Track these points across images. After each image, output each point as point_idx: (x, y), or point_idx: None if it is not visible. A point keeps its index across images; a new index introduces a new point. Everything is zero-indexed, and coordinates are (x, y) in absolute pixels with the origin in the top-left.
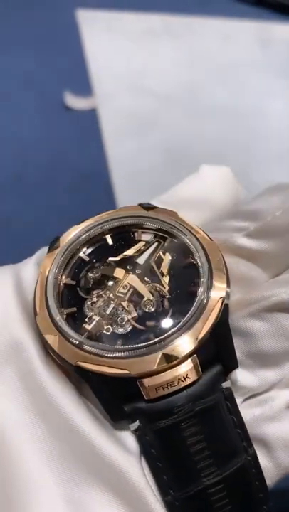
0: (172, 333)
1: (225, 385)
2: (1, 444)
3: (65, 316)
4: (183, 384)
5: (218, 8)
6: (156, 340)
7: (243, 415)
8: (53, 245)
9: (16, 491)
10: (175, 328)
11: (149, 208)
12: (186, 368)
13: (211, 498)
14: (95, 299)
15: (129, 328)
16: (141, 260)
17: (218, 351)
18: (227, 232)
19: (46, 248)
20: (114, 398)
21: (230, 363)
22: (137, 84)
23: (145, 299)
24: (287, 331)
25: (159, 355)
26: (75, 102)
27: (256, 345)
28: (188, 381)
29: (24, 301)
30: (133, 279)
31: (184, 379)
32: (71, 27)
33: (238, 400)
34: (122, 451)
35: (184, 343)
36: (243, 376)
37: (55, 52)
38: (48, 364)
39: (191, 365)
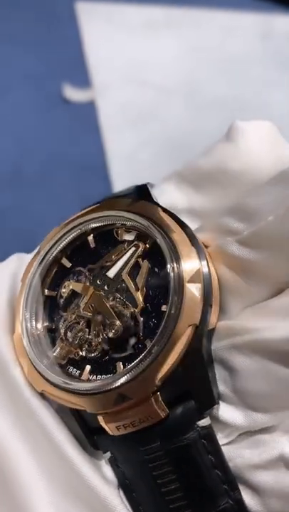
0: (131, 369)
1: (201, 423)
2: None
3: (43, 332)
4: (146, 424)
5: (219, 0)
6: (114, 376)
7: (231, 456)
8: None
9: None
10: (134, 363)
11: (135, 198)
12: (147, 408)
13: None
14: (65, 317)
15: (98, 353)
16: (111, 273)
17: (190, 385)
18: (223, 234)
19: (20, 255)
20: (83, 428)
21: (206, 399)
22: (137, 77)
23: (110, 322)
24: (275, 374)
25: (114, 394)
26: (73, 94)
27: (241, 383)
28: (153, 421)
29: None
30: (97, 299)
31: (147, 419)
32: (70, 19)
33: (225, 440)
34: (103, 479)
35: (143, 382)
36: (227, 413)
37: (54, 44)
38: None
39: (154, 405)
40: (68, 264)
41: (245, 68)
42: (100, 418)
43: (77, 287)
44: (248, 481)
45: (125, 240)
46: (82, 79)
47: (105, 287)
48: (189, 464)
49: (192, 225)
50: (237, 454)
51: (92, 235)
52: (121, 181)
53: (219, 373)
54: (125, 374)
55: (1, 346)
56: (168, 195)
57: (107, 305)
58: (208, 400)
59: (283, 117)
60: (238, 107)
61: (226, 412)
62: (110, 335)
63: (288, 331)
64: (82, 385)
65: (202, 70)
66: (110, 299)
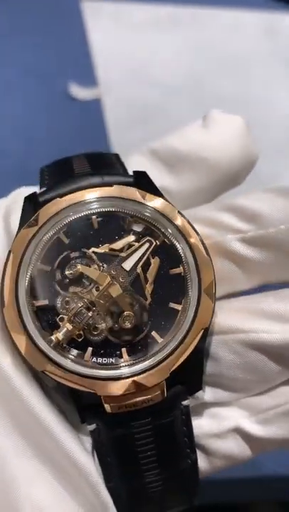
0: (145, 359)
1: (185, 403)
2: None
3: (35, 309)
4: (146, 405)
5: None
6: (128, 364)
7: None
8: (27, 219)
9: None
10: (149, 356)
11: (145, 188)
12: (152, 393)
13: (149, 491)
14: (69, 298)
15: (102, 337)
16: (127, 265)
17: (186, 374)
18: (220, 229)
19: (17, 193)
20: (77, 403)
21: (196, 386)
22: (142, 75)
23: (125, 313)
24: (256, 368)
25: (129, 382)
26: (79, 92)
27: (220, 371)
28: (152, 403)
29: None
30: (116, 290)
31: (148, 402)
32: (76, 17)
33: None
34: (81, 448)
35: (157, 373)
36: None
37: (60, 42)
38: (15, 359)
39: (159, 391)
40: (66, 240)
41: (249, 65)
42: (104, 398)
43: (93, 274)
44: (201, 446)
45: (132, 230)
46: (89, 77)
47: (120, 278)
48: (168, 436)
49: None
50: (196, 424)
51: (95, 216)
52: None
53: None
54: (138, 363)
55: None
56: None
57: (123, 296)
58: (197, 387)
59: (288, 114)
60: (242, 103)
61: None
62: (127, 325)
63: (285, 336)
64: (95, 371)
65: (207, 68)
66: (124, 290)
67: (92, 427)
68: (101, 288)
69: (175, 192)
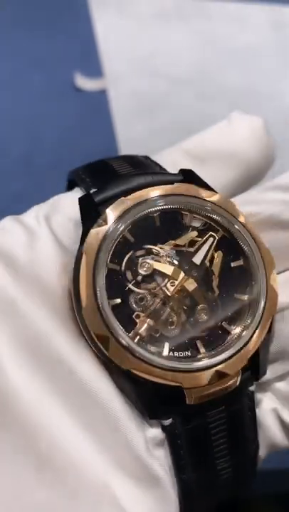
0: (226, 349)
1: (251, 388)
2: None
3: (110, 308)
4: (224, 393)
5: None
6: (206, 355)
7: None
8: (94, 220)
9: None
10: (228, 346)
11: (198, 185)
12: (232, 381)
13: (220, 478)
14: (143, 294)
15: (177, 331)
16: (197, 260)
17: (255, 361)
18: (269, 205)
19: (56, 199)
20: (155, 399)
21: (262, 371)
22: (148, 66)
23: (200, 306)
24: None
25: (212, 371)
26: (85, 83)
27: (278, 343)
28: (229, 390)
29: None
30: (191, 284)
31: (226, 389)
32: (82, 8)
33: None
34: (147, 448)
35: (237, 361)
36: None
37: (66, 33)
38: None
39: (237, 378)
40: (132, 239)
41: (256, 58)
42: (188, 391)
43: (167, 270)
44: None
45: (191, 226)
46: (94, 68)
47: (193, 273)
48: (239, 422)
49: None
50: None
51: (157, 214)
52: None
53: None
54: (220, 354)
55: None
56: (171, 166)
57: (199, 290)
58: (263, 372)
59: None
60: (249, 96)
61: None
62: (203, 317)
63: None
64: (180, 364)
65: (213, 60)
66: (197, 284)
67: (168, 421)
68: (176, 283)
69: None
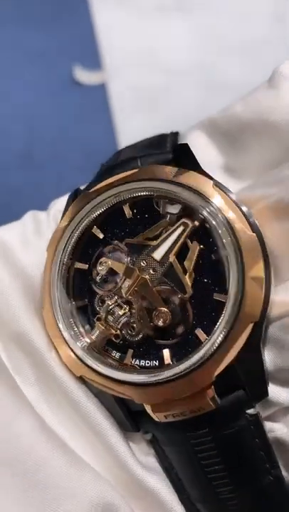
0: (186, 361)
1: (250, 412)
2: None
3: (75, 310)
4: (196, 414)
5: None
6: (166, 368)
7: (270, 431)
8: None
9: None
10: (187, 357)
11: (183, 163)
12: (199, 400)
13: (228, 509)
14: (104, 296)
15: (140, 338)
16: (158, 255)
17: (243, 378)
18: (284, 188)
19: (35, 213)
20: (124, 410)
21: (258, 391)
22: (148, 60)
23: (159, 310)
24: None
25: (169, 388)
26: (84, 76)
27: None
28: (203, 411)
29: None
30: (142, 283)
31: (198, 410)
32: (81, 1)
33: (266, 413)
34: (141, 466)
35: (200, 377)
36: (272, 391)
37: (65, 26)
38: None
39: (206, 398)
40: (100, 235)
41: (257, 52)
42: (148, 407)
43: (119, 268)
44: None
45: (168, 213)
46: (94, 61)
47: (151, 271)
48: (236, 448)
49: (230, 186)
50: (271, 428)
51: (127, 204)
52: None
53: (267, 351)
54: (177, 367)
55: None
56: (198, 149)
57: (154, 290)
58: (260, 392)
59: None
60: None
61: (270, 389)
62: (160, 323)
63: None
64: (130, 376)
65: (214, 54)
66: (157, 283)
67: (149, 436)
68: (129, 283)
69: (240, 169)
